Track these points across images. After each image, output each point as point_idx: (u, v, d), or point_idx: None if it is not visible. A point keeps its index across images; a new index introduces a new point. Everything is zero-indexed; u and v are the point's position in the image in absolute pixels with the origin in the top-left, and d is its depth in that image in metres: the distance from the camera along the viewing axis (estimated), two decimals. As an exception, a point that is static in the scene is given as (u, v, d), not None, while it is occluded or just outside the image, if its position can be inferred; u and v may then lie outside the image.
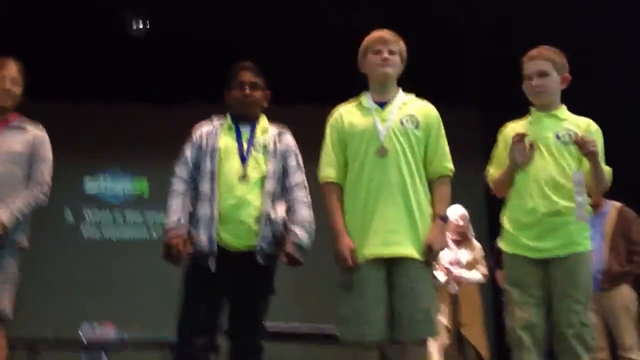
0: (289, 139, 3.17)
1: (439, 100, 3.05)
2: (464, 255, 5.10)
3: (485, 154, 3.40)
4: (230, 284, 2.96)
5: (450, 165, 2.92)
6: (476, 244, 5.22)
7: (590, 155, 2.90)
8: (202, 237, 2.93)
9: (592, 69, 5.16)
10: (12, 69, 3.30)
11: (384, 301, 2.73)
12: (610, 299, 4.28)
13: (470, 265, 5.07)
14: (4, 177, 3.20)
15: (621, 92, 5.76)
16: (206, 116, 3.24)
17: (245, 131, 3.11)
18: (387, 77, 2.93)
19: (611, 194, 3.77)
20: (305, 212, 3.02)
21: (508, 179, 3.06)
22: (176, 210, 2.98)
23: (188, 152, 3.11)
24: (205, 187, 3.00)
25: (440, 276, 4.86)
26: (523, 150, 2.99)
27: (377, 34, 2.96)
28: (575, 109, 3.14)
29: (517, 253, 3.00)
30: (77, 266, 7.01)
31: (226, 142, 3.07)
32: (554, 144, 2.99)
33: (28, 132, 3.32)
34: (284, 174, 3.09)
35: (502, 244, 3.11)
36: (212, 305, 2.95)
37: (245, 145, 3.07)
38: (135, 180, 7.52)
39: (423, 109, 2.94)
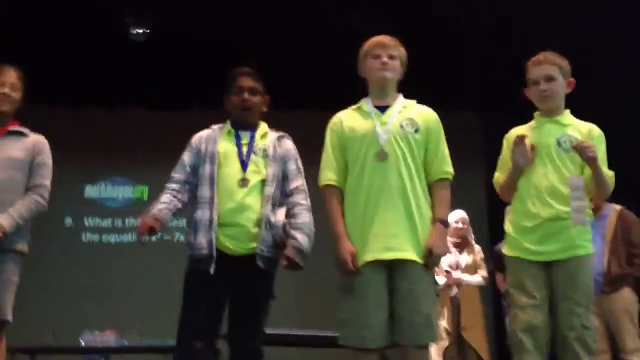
0: (289, 144, 3.17)
1: (439, 101, 3.05)
2: (465, 258, 5.09)
3: (485, 155, 3.40)
4: (230, 286, 2.95)
5: (450, 169, 2.91)
6: (476, 247, 5.22)
7: (590, 160, 2.90)
8: (202, 241, 2.93)
9: (592, 69, 5.15)
10: (12, 75, 3.30)
11: (385, 305, 2.73)
12: (611, 302, 4.27)
13: (470, 269, 5.06)
14: (5, 183, 3.19)
15: (621, 92, 5.76)
16: (207, 122, 3.23)
17: (244, 136, 3.11)
18: (387, 82, 2.92)
19: (611, 195, 3.76)
20: (305, 217, 3.02)
21: (512, 183, 3.08)
22: (163, 202, 2.99)
23: (186, 157, 3.12)
24: (204, 191, 3.00)
25: (441, 280, 4.86)
26: (524, 152, 3.00)
27: (377, 39, 2.96)
28: (575, 109, 3.14)
29: (519, 256, 3.01)
30: (77, 271, 7.01)
31: (226, 147, 3.07)
32: (555, 150, 3.01)
33: (28, 138, 3.32)
34: (284, 178, 3.08)
35: (504, 248, 3.12)
36: (211, 305, 2.94)
37: (245, 150, 3.06)
38: (136, 187, 7.51)
39: (423, 113, 2.93)
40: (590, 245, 3.00)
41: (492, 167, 3.27)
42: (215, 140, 3.10)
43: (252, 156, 3.05)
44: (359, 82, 3.01)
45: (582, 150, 2.90)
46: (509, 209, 3.21)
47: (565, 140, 3.01)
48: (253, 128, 3.14)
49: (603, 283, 4.25)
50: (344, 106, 3.04)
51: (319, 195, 2.96)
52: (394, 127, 2.85)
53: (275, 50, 5.97)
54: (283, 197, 3.06)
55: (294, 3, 5.74)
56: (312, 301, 6.46)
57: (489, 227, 6.40)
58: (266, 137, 3.14)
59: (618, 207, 4.46)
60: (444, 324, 4.81)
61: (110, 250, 7.31)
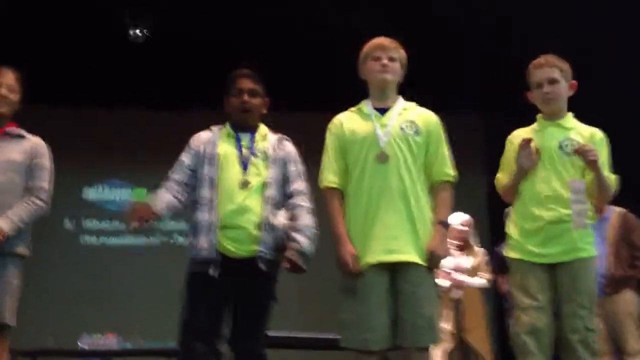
0: (289, 146, 3.16)
1: (439, 101, 3.05)
2: (466, 260, 5.08)
3: (485, 156, 3.39)
4: (231, 288, 2.94)
5: (451, 171, 2.91)
6: (478, 249, 5.21)
7: (591, 164, 2.91)
8: (203, 244, 2.92)
9: (592, 69, 5.15)
10: (9, 76, 3.29)
11: (387, 307, 2.72)
12: (613, 304, 4.26)
13: (472, 271, 5.06)
14: (5, 186, 3.18)
15: (621, 92, 5.75)
16: (207, 123, 3.22)
17: (244, 138, 3.10)
18: (386, 84, 2.92)
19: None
20: (306, 218, 3.01)
21: (516, 185, 3.07)
22: (161, 195, 3.00)
23: (184, 158, 3.11)
24: (204, 193, 2.99)
25: (444, 282, 4.85)
26: (529, 155, 3.01)
27: (377, 41, 2.96)
28: (575, 110, 3.14)
29: (523, 259, 3.01)
30: (77, 273, 7.00)
31: (225, 149, 3.06)
32: (557, 154, 3.01)
33: (27, 140, 3.31)
34: (284, 180, 3.07)
35: (507, 250, 3.12)
36: (212, 306, 2.93)
37: (245, 152, 3.06)
38: (135, 190, 7.50)
39: (423, 116, 2.93)
40: (592, 247, 3.00)
41: (492, 167, 3.27)
42: (215, 142, 3.09)
43: (252, 158, 3.04)
44: (359, 84, 3.00)
45: (583, 154, 2.91)
46: (508, 210, 3.21)
47: (567, 144, 3.01)
48: (252, 130, 3.13)
49: (605, 285, 4.24)
50: (343, 108, 3.03)
51: (319, 197, 2.95)
52: (393, 129, 2.84)
53: (275, 51, 5.97)
54: (284, 199, 3.05)
55: (294, 3, 5.74)
56: (314, 303, 6.45)
57: (489, 229, 6.39)
58: (266, 138, 3.13)
59: (620, 210, 4.45)
60: (446, 326, 4.80)
61: (109, 253, 7.30)
